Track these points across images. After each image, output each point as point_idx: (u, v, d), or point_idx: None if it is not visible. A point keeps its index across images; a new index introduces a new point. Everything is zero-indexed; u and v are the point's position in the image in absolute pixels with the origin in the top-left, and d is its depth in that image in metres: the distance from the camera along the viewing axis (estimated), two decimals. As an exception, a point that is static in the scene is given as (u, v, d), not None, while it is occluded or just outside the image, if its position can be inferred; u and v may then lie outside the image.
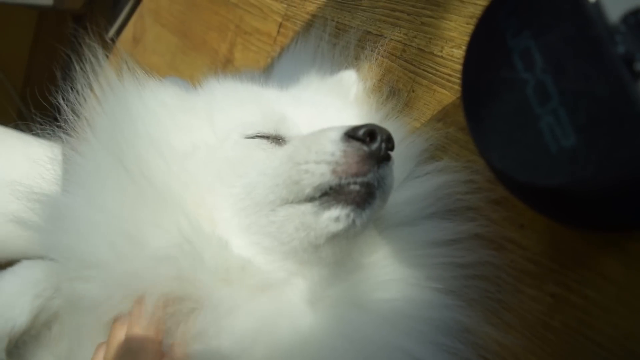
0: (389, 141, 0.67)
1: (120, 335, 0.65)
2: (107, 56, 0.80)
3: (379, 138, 0.66)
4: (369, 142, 0.65)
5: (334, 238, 0.66)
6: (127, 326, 0.64)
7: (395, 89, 0.92)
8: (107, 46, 0.85)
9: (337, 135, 0.66)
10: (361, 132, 0.65)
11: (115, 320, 0.67)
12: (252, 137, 0.75)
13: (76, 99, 0.76)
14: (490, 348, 0.69)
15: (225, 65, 1.49)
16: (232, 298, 0.65)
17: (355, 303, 0.70)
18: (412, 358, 0.66)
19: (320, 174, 0.64)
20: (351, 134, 0.66)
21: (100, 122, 0.75)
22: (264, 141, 0.74)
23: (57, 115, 0.77)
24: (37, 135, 0.80)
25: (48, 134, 0.78)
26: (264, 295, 0.67)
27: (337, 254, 0.69)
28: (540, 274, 0.68)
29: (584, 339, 0.62)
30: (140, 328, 0.63)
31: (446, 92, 0.84)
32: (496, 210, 0.72)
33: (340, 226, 0.65)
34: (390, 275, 0.73)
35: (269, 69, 1.21)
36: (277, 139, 0.75)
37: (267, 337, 0.63)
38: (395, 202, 0.75)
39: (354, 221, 0.65)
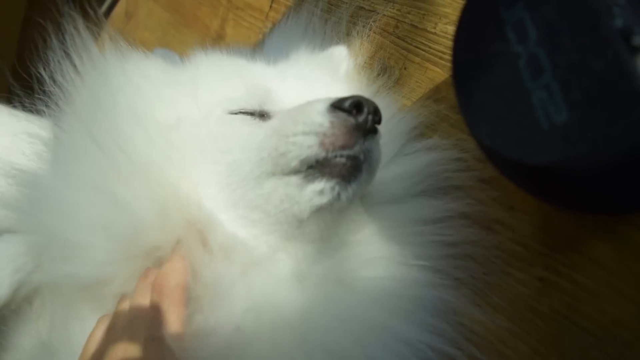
0: (376, 113, 0.66)
1: (124, 308, 0.64)
2: (98, 32, 0.78)
3: (365, 110, 0.64)
4: (355, 113, 0.64)
5: (318, 212, 0.65)
6: (130, 299, 0.63)
7: (386, 65, 0.90)
8: (99, 21, 0.82)
9: (323, 106, 0.65)
10: (347, 103, 0.64)
11: (123, 295, 0.66)
12: (236, 113, 0.73)
13: (58, 72, 0.74)
14: (476, 331, 0.68)
15: (216, 41, 1.46)
16: (224, 273, 0.64)
17: (342, 281, 0.69)
18: (399, 338, 0.65)
19: (308, 146, 0.63)
20: (337, 105, 0.64)
21: (78, 94, 0.73)
22: (248, 117, 0.73)
23: (43, 90, 0.75)
24: (27, 111, 0.78)
25: (38, 109, 0.76)
26: (252, 271, 0.66)
27: (322, 230, 0.68)
28: (529, 257, 0.66)
29: (572, 325, 0.61)
30: (141, 299, 0.62)
31: (438, 69, 0.82)
32: (485, 190, 0.70)
33: (324, 199, 0.64)
34: (377, 253, 0.72)
35: (260, 45, 1.19)
36: (261, 114, 0.74)
37: (269, 316, 0.63)
38: (383, 180, 0.74)
39: (338, 195, 0.64)
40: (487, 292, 0.69)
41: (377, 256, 0.72)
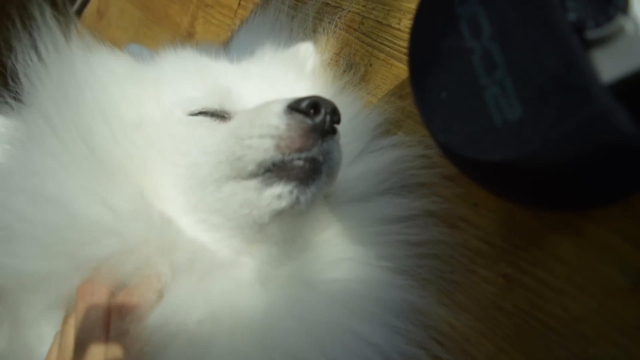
0: (334, 113, 0.64)
1: (71, 324, 0.61)
2: (67, 28, 0.76)
3: (322, 110, 0.63)
4: (312, 114, 0.63)
5: (278, 216, 0.64)
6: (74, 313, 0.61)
7: (352, 62, 0.89)
8: (70, 19, 0.80)
9: (280, 107, 0.63)
10: (304, 104, 0.62)
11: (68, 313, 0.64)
12: (196, 114, 0.72)
13: (25, 61, 0.71)
14: (441, 329, 0.67)
15: (186, 39, 1.45)
16: (183, 279, 0.62)
17: (306, 283, 0.68)
18: (362, 340, 0.64)
19: (264, 149, 0.62)
20: (294, 107, 0.63)
21: (42, 85, 0.70)
22: (208, 118, 0.72)
23: (15, 81, 0.72)
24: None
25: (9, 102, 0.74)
26: (213, 276, 0.64)
27: (284, 233, 0.67)
28: (493, 254, 0.66)
29: (535, 322, 0.61)
30: (83, 310, 0.59)
31: (403, 66, 0.81)
32: (450, 187, 0.70)
33: (283, 203, 0.62)
34: (341, 254, 0.71)
35: (228, 43, 1.18)
36: (222, 115, 0.72)
37: (228, 321, 0.61)
38: (348, 178, 0.73)
39: (297, 198, 0.62)
40: (452, 291, 0.68)
41: (341, 257, 0.70)
